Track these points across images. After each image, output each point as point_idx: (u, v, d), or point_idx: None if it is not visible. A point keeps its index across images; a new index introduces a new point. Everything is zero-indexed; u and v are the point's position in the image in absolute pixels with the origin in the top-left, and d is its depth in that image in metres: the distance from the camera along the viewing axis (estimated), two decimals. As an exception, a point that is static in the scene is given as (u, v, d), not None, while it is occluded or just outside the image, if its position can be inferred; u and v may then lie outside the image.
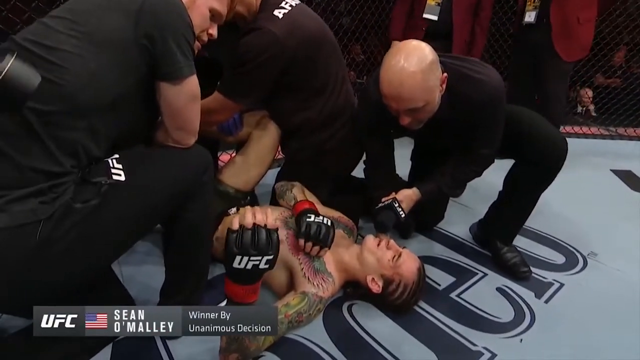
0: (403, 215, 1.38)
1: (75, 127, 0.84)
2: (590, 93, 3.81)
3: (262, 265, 0.85)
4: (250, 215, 0.87)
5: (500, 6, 3.00)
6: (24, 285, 0.83)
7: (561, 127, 3.14)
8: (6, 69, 0.69)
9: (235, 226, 0.85)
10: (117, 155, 0.92)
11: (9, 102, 0.72)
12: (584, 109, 3.88)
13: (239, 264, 0.84)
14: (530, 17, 2.22)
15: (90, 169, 0.89)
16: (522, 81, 2.39)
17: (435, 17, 2.35)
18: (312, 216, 1.25)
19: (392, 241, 1.29)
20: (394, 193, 1.42)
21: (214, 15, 1.07)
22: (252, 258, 0.84)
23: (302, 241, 1.22)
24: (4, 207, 0.78)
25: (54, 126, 0.82)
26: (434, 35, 2.34)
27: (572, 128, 3.22)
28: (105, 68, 0.85)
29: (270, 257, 0.86)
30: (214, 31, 1.09)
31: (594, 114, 3.81)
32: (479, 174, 1.43)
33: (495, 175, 1.46)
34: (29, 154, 0.80)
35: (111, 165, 0.90)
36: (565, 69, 2.27)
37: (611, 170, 2.46)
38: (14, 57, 0.70)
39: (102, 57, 0.84)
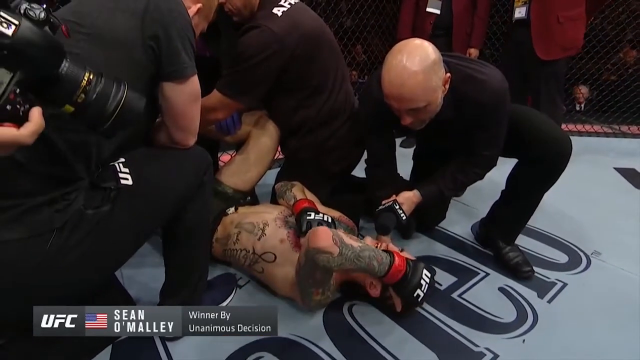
0: (404, 217, 1.37)
1: (86, 129, 0.83)
2: (584, 90, 3.77)
3: None
4: None
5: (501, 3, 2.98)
6: (38, 294, 0.83)
7: (564, 125, 3.13)
8: (124, 98, 0.71)
9: None
10: (122, 159, 0.92)
11: (123, 127, 0.74)
12: (581, 106, 3.85)
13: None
14: (520, 12, 2.21)
15: (99, 174, 0.89)
16: (510, 81, 2.37)
17: (437, 11, 2.43)
18: (312, 214, 1.25)
19: (390, 244, 1.28)
20: (394, 195, 1.41)
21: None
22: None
23: (304, 239, 1.21)
24: (18, 218, 0.77)
25: (66, 130, 0.81)
26: (439, 29, 2.41)
27: (575, 126, 3.20)
28: (113, 69, 0.84)
29: None
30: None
31: (580, 107, 3.79)
32: (481, 177, 1.42)
33: (497, 174, 1.45)
34: (41, 160, 0.80)
35: (118, 169, 0.90)
36: (555, 67, 2.22)
37: (615, 168, 2.44)
38: (126, 86, 0.72)
39: (109, 58, 0.84)
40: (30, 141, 0.61)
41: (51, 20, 0.60)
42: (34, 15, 0.57)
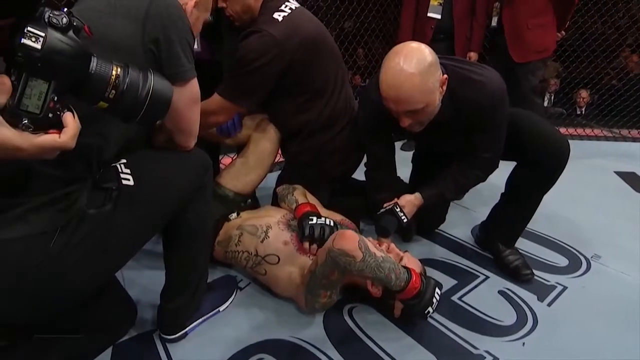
0: (405, 220, 1.38)
1: (89, 132, 0.84)
2: (585, 95, 3.81)
3: None
4: None
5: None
6: (40, 294, 0.83)
7: (565, 129, 3.14)
8: (152, 86, 0.73)
9: None
10: (124, 160, 0.93)
11: (156, 114, 0.77)
12: (582, 110, 3.88)
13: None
14: (494, 22, 2.42)
15: (101, 174, 0.90)
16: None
17: (438, 16, 2.46)
18: (314, 218, 1.25)
19: (392, 245, 1.28)
20: (396, 198, 1.42)
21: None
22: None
23: (306, 244, 1.23)
24: (22, 216, 0.78)
25: None
26: (440, 33, 2.46)
27: (576, 130, 3.21)
28: None
29: None
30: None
31: (581, 111, 3.86)
32: (483, 179, 1.42)
33: (497, 177, 1.45)
34: (45, 161, 0.79)
35: (120, 170, 0.91)
36: (528, 67, 2.33)
37: (615, 172, 2.44)
38: (153, 74, 0.75)
39: None
40: (73, 145, 0.64)
41: (74, 23, 0.62)
42: (57, 23, 0.59)
